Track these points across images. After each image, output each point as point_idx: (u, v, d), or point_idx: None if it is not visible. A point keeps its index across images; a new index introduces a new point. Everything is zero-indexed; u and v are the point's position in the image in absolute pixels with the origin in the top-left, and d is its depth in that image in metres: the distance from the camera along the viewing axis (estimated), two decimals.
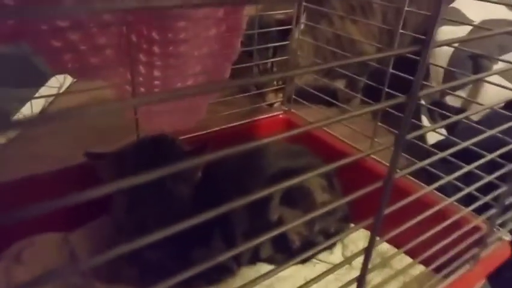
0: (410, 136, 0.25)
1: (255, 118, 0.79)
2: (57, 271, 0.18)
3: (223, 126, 0.72)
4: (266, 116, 0.82)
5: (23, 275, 0.56)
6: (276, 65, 0.96)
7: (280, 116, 0.84)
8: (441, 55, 0.87)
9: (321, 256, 0.64)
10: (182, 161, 0.63)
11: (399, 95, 0.63)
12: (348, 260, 0.31)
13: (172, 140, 0.57)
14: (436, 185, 0.35)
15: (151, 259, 0.51)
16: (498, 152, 0.40)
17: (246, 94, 0.87)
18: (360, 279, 0.30)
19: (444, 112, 0.74)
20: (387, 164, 0.28)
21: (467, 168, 0.38)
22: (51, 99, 0.98)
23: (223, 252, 0.62)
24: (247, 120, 0.77)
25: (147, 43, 0.59)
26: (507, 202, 0.46)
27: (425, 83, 0.88)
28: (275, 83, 0.96)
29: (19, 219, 0.15)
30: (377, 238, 0.34)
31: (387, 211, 0.30)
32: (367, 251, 0.30)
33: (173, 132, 0.60)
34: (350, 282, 0.31)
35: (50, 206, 0.16)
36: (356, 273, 0.62)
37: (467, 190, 0.40)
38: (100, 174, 0.54)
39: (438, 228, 0.39)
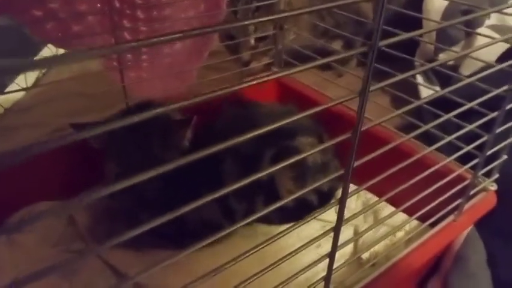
0: (376, 87, 0.26)
1: (246, 80, 0.79)
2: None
3: (215, 90, 0.72)
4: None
5: (26, 243, 0.58)
6: (261, 27, 0.91)
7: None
8: (434, 10, 0.85)
9: (314, 214, 0.65)
10: (169, 128, 0.63)
11: (397, 53, 0.60)
12: (324, 210, 0.32)
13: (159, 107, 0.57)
14: (414, 134, 0.35)
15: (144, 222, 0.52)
16: (478, 100, 0.40)
17: (234, 57, 0.85)
18: (337, 227, 0.32)
19: (438, 69, 0.73)
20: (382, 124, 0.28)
21: (447, 116, 0.38)
22: (45, 69, 0.98)
23: (214, 212, 0.62)
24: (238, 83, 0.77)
25: (130, 8, 0.58)
26: (490, 152, 0.46)
27: (420, 39, 0.87)
28: (253, 42, 0.88)
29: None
30: (355, 187, 0.35)
31: (361, 161, 0.30)
32: (341, 201, 0.31)
33: (164, 98, 0.60)
34: (327, 232, 0.32)
35: (42, 147, 0.17)
36: (349, 228, 0.63)
37: (448, 139, 0.40)
38: (90, 143, 0.55)
39: (420, 177, 0.39)
